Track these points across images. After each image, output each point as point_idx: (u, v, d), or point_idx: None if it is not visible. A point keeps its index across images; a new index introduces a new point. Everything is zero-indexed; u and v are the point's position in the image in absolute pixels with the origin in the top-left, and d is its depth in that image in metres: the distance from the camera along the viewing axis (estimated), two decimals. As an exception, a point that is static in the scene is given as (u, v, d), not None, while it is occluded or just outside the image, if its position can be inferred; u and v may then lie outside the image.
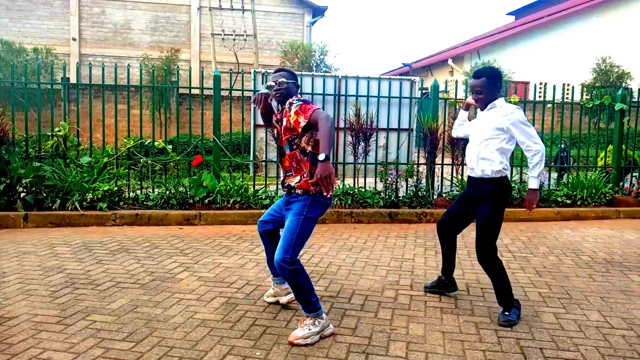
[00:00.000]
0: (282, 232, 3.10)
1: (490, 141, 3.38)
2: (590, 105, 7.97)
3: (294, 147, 3.09)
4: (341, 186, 7.02)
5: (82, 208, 6.18)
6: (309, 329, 2.95)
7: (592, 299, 3.76)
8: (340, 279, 4.16)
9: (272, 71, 3.43)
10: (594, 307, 3.60)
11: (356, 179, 7.18)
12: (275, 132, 3.38)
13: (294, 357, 2.77)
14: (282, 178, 3.27)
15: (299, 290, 2.97)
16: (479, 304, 3.61)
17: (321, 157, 2.76)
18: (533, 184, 3.33)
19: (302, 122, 2.97)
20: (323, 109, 7.22)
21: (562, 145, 7.43)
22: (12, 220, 5.93)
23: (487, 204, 3.38)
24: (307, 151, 3.06)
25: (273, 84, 3.19)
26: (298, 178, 3.09)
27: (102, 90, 6.92)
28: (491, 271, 3.35)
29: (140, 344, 2.87)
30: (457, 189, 7.12)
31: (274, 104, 3.33)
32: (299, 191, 3.10)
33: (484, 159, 3.39)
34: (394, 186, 7.02)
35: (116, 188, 6.46)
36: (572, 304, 3.65)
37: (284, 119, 3.13)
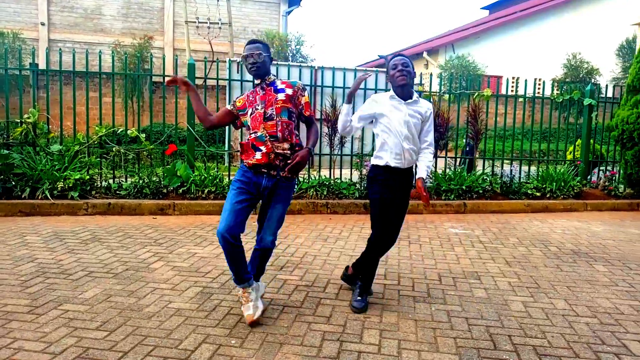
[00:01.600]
0: (269, 214, 3.15)
1: None
2: (560, 100, 8.16)
3: (291, 116, 3.12)
4: (317, 177, 7.05)
5: (53, 197, 6.06)
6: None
7: (559, 288, 3.88)
8: (315, 269, 4.20)
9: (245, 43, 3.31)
10: (561, 295, 3.72)
11: (332, 170, 7.22)
12: (256, 101, 3.11)
13: (269, 344, 2.79)
14: (259, 153, 3.04)
15: (265, 263, 3.29)
16: (451, 293, 3.69)
17: (310, 150, 2.96)
18: None
19: (308, 112, 3.20)
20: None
21: (468, 140, 7.55)
22: (-21, 208, 5.78)
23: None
24: (296, 131, 3.18)
25: (249, 55, 3.08)
26: (288, 148, 3.07)
27: (73, 77, 6.77)
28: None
29: (114, 333, 2.85)
30: (430, 180, 7.22)
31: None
32: (288, 175, 3.12)
33: None
34: (369, 177, 7.07)
35: (88, 177, 6.35)
36: (540, 293, 3.76)
37: (284, 88, 3.13)
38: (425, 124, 3.40)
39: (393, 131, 3.28)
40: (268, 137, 3.05)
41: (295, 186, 3.24)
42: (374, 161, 3.41)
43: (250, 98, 3.17)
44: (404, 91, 3.30)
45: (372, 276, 3.44)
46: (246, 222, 3.04)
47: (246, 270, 3.10)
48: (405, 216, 3.48)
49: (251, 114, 3.12)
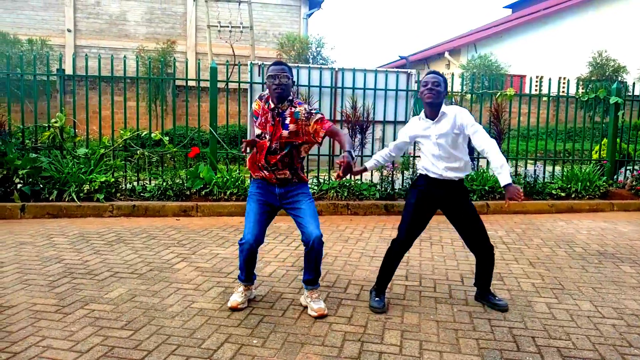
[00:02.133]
0: (300, 214, 3.23)
1: None
2: (586, 98, 8.01)
3: (294, 151, 3.21)
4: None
5: (79, 199, 6.19)
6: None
7: (584, 290, 3.82)
8: (336, 270, 4.21)
9: (270, 63, 3.35)
10: (586, 297, 3.66)
11: (352, 171, 7.20)
12: (265, 129, 3.19)
13: (290, 344, 2.81)
14: (262, 173, 3.24)
15: (319, 262, 3.28)
16: (473, 294, 3.65)
17: (350, 152, 2.98)
18: None
19: (322, 134, 3.14)
20: (320, 101, 7.26)
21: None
22: (9, 211, 5.94)
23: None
24: (302, 157, 3.32)
25: (274, 76, 3.13)
26: (289, 172, 3.24)
27: (99, 82, 6.91)
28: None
29: (139, 332, 2.91)
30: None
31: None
32: (295, 180, 3.27)
33: None
34: (390, 178, 7.06)
35: (113, 179, 6.48)
36: (564, 294, 3.70)
37: (289, 123, 3.16)
38: (466, 130, 3.23)
39: (426, 153, 3.35)
40: (270, 166, 3.20)
41: (308, 185, 3.31)
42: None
43: (263, 118, 3.23)
44: (432, 110, 3.27)
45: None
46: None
47: (253, 272, 3.36)
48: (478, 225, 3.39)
49: (260, 135, 3.23)
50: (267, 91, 3.26)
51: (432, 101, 3.24)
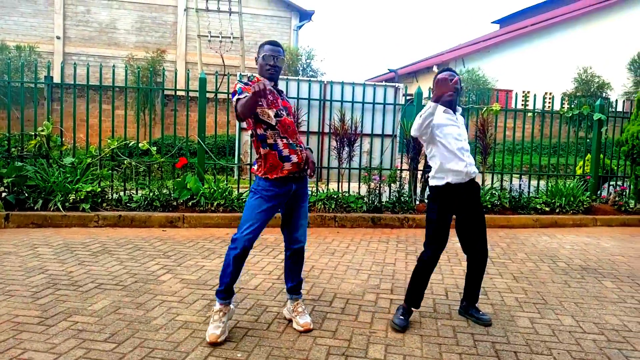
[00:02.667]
0: (300, 213, 3.22)
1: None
2: (570, 115, 8.15)
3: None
4: (325, 190, 7.08)
5: (65, 209, 6.15)
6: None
7: (567, 305, 3.87)
8: (322, 283, 4.22)
9: (265, 42, 3.15)
10: (568, 312, 3.71)
11: (340, 184, 7.25)
12: (279, 107, 3.07)
13: (274, 358, 2.81)
14: (289, 163, 3.03)
15: (302, 267, 3.32)
16: (457, 308, 3.68)
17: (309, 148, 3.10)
18: None
19: None
20: (308, 114, 7.31)
21: None
22: (-8, 220, 5.88)
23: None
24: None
25: (270, 56, 3.04)
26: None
27: (87, 90, 6.89)
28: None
29: (122, 345, 2.89)
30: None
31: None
32: (306, 167, 3.15)
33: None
34: (377, 191, 7.10)
35: (99, 189, 6.44)
36: (547, 309, 3.75)
37: (285, 105, 3.15)
38: None
39: (450, 147, 3.29)
40: (298, 146, 3.09)
41: None
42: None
43: (270, 96, 3.05)
44: (451, 107, 3.35)
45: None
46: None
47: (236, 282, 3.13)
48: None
49: (277, 116, 3.04)
50: (247, 74, 3.24)
51: (452, 99, 3.28)
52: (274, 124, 3.03)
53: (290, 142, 3.06)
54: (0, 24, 17.79)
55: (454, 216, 3.45)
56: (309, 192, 6.97)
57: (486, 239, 3.45)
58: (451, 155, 3.28)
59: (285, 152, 3.04)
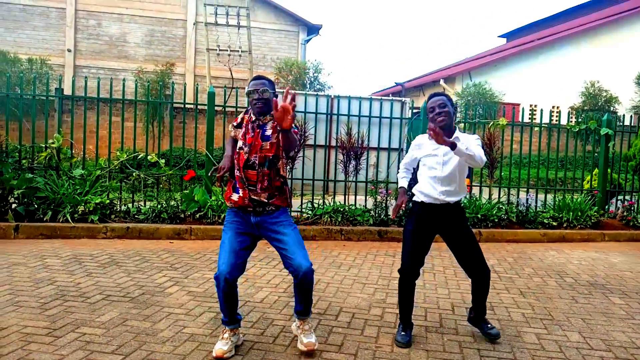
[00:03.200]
0: (283, 245, 3.00)
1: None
2: (577, 129, 8.15)
3: (272, 166, 3.03)
4: (332, 203, 7.10)
5: (74, 220, 6.20)
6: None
7: (574, 320, 3.85)
8: (328, 297, 4.22)
9: (251, 78, 3.19)
10: (575, 328, 3.69)
11: (347, 197, 7.26)
12: (244, 141, 3.04)
13: (280, 372, 2.82)
14: (237, 195, 3.05)
15: (311, 293, 3.11)
16: (463, 323, 3.68)
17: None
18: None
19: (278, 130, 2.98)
20: (315, 128, 7.35)
21: None
22: (2, 231, 5.94)
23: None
24: (281, 174, 3.09)
25: (254, 91, 3.01)
26: (267, 194, 3.04)
27: (97, 103, 6.99)
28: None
29: (129, 357, 2.91)
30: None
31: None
32: (273, 207, 3.08)
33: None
34: (384, 204, 7.11)
35: (108, 201, 6.50)
36: (553, 325, 3.73)
37: (270, 134, 3.00)
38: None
39: (425, 174, 3.36)
40: (247, 184, 3.03)
41: (288, 210, 3.19)
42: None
43: (245, 128, 3.09)
44: (445, 132, 3.11)
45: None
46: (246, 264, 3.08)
47: (236, 311, 3.10)
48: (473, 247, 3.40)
49: (239, 147, 3.07)
50: (242, 115, 3.17)
51: (444, 124, 3.22)
52: (235, 156, 3.09)
53: (239, 175, 3.03)
54: (13, 37, 18.07)
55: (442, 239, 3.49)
56: (315, 206, 7.00)
57: (482, 258, 3.38)
58: (425, 182, 3.36)
59: (237, 184, 3.08)
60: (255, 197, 3.03)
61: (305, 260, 2.95)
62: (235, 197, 3.07)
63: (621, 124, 8.73)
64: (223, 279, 2.91)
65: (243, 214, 3.09)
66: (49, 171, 6.71)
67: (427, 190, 3.33)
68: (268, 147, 3.00)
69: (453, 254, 3.46)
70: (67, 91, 16.66)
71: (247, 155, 3.01)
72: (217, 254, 5.49)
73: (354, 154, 7.05)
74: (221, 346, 2.99)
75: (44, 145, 6.79)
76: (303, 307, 3.13)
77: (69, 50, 18.40)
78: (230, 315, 3.05)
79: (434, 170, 3.31)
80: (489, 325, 3.46)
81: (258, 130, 3.03)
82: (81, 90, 10.76)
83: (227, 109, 7.66)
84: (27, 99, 8.41)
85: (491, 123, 7.68)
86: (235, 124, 3.20)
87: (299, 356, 3.03)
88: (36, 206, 6.30)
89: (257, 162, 3.00)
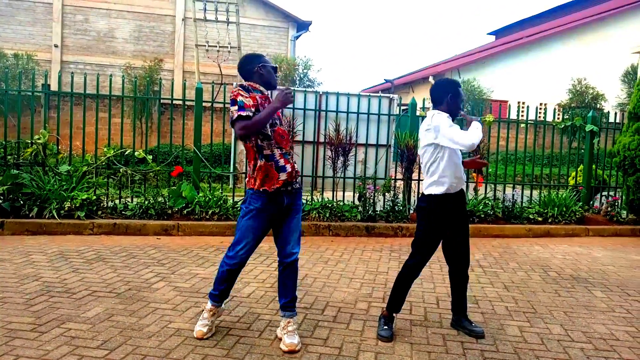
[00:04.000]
0: (287, 227, 3.17)
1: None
2: (563, 126, 8.23)
3: None
4: (320, 199, 7.13)
5: (60, 216, 6.17)
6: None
7: (556, 314, 3.91)
8: (315, 291, 4.25)
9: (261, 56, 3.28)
10: (557, 321, 3.75)
11: (335, 193, 7.29)
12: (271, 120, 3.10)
13: (265, 366, 2.84)
14: (285, 171, 3.06)
15: (296, 277, 3.22)
16: (447, 317, 3.72)
17: None
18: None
19: None
20: (304, 124, 7.37)
21: None
22: (-13, 227, 5.90)
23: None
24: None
25: (276, 69, 3.23)
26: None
27: (84, 99, 6.95)
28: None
29: (115, 352, 2.92)
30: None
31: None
32: (298, 184, 3.22)
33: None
34: (372, 200, 7.15)
35: (95, 197, 6.47)
36: (536, 318, 3.79)
37: (278, 114, 3.18)
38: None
39: (452, 160, 3.36)
40: (291, 154, 3.15)
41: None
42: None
43: (266, 104, 3.08)
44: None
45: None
46: None
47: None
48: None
49: (272, 125, 3.07)
50: (242, 82, 3.14)
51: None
52: (270, 134, 3.07)
53: (284, 152, 3.10)
54: (-2, 32, 17.86)
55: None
56: (303, 202, 7.02)
57: (468, 247, 3.48)
58: (451, 170, 3.35)
59: (281, 162, 3.07)
60: (296, 170, 3.15)
61: (298, 246, 3.19)
62: (283, 175, 3.06)
63: (606, 120, 8.84)
64: (239, 262, 3.09)
65: (276, 198, 3.07)
66: (35, 167, 6.66)
67: (454, 179, 3.33)
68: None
69: (445, 243, 3.48)
70: (54, 87, 16.50)
71: (282, 127, 3.15)
72: (205, 249, 5.51)
73: (342, 150, 7.08)
74: (201, 328, 3.16)
75: (29, 142, 6.74)
76: (292, 294, 3.19)
77: (56, 46, 18.23)
78: (225, 292, 3.21)
79: (458, 155, 3.37)
80: (472, 324, 3.49)
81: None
82: (68, 86, 10.65)
83: (215, 105, 7.64)
84: (12, 95, 8.33)
85: (479, 120, 7.73)
86: (252, 110, 2.97)
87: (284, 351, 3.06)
88: (22, 202, 6.26)
89: (286, 134, 3.17)
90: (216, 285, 3.20)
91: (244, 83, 3.14)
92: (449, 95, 3.39)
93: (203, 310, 3.26)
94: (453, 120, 3.38)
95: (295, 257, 3.17)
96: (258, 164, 3.05)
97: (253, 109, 2.96)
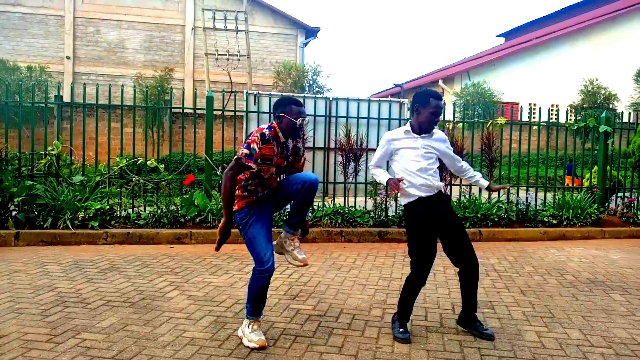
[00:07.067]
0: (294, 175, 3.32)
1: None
2: (575, 127, 8.15)
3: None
4: (331, 205, 7.11)
5: (74, 227, 6.21)
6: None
7: (574, 318, 3.84)
8: (328, 298, 4.22)
9: (289, 99, 3.35)
10: (576, 325, 3.69)
11: (346, 199, 7.27)
12: (276, 160, 3.27)
13: (280, 375, 2.82)
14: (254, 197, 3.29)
15: (309, 206, 3.43)
16: (464, 323, 3.67)
17: None
18: None
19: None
20: (314, 130, 7.36)
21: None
22: (3, 238, 5.95)
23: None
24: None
25: (304, 119, 3.29)
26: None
27: (96, 110, 7.01)
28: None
29: (130, 362, 2.92)
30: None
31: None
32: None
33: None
34: (384, 206, 7.11)
35: (108, 207, 6.51)
36: (554, 323, 3.73)
37: (290, 154, 3.34)
38: (447, 146, 3.57)
39: (408, 167, 3.40)
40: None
41: None
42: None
43: (277, 150, 3.26)
44: (429, 129, 3.41)
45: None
46: None
47: None
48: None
49: (268, 172, 3.29)
50: (267, 131, 3.18)
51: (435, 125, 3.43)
52: (266, 179, 3.28)
53: (267, 191, 3.31)
54: (12, 46, 18.14)
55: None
56: (315, 208, 7.00)
57: (472, 248, 3.43)
58: (410, 176, 3.40)
59: (260, 194, 3.29)
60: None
61: (308, 175, 3.25)
62: (253, 197, 3.29)
63: (620, 121, 8.73)
64: (272, 272, 3.16)
65: (262, 200, 3.29)
66: (49, 178, 6.72)
67: (418, 182, 3.36)
68: (285, 165, 3.39)
69: (444, 247, 3.45)
70: (66, 98, 16.69)
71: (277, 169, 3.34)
72: (218, 257, 5.52)
73: (353, 155, 7.06)
74: (260, 336, 3.18)
75: (43, 153, 6.81)
76: (300, 217, 3.32)
77: (68, 58, 18.47)
78: (261, 306, 3.26)
79: (415, 163, 3.38)
80: (483, 326, 3.45)
81: (285, 153, 3.33)
82: (80, 97, 10.77)
83: (225, 113, 7.67)
84: (26, 107, 8.44)
85: (490, 122, 7.68)
86: (258, 161, 3.19)
87: (300, 357, 3.03)
88: (36, 213, 6.32)
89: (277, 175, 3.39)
90: (252, 302, 3.22)
91: (269, 125, 3.26)
92: (415, 106, 3.41)
93: (251, 323, 3.24)
94: (425, 132, 3.40)
95: (312, 180, 3.21)
96: (239, 193, 3.25)
97: (259, 160, 3.16)
